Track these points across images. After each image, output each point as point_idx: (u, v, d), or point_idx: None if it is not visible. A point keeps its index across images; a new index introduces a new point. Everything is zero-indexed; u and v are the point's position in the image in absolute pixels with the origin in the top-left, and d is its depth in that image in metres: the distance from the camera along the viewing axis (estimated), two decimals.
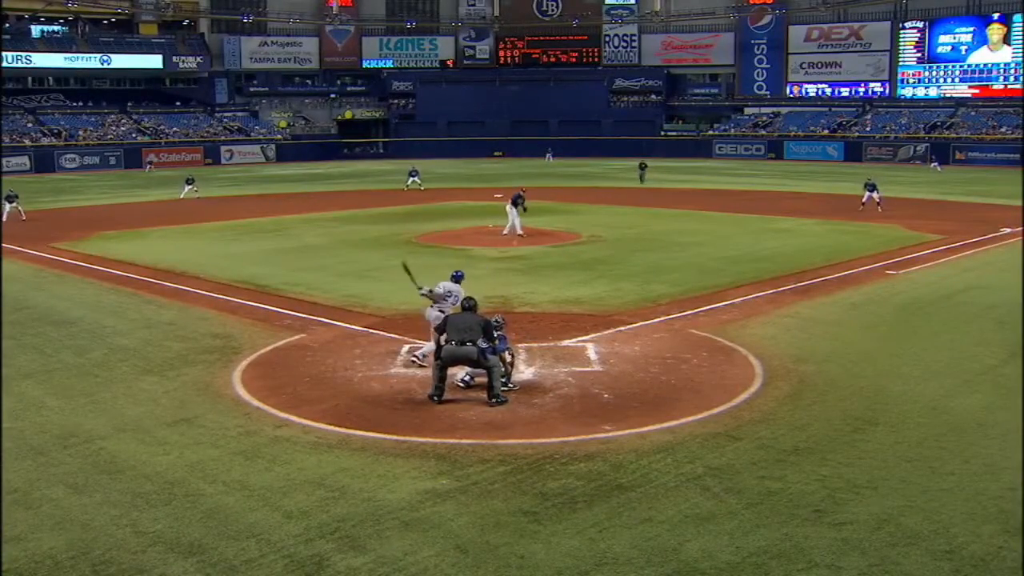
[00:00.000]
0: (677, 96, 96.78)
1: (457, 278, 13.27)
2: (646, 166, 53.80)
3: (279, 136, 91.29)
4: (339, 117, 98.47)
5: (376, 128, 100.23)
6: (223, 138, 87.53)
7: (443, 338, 11.45)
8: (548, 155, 79.94)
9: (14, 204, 34.29)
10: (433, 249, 24.49)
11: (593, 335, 14.72)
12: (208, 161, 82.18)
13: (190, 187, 45.84)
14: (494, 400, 11.22)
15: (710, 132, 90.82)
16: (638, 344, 14.23)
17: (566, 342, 14.29)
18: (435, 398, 11.35)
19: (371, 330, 15.23)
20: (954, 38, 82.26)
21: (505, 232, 27.49)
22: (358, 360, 13.34)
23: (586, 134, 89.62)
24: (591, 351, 13.72)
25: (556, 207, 37.82)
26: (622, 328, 15.30)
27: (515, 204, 28.06)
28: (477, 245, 25.82)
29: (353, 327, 15.58)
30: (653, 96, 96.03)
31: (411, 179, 48.25)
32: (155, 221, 34.17)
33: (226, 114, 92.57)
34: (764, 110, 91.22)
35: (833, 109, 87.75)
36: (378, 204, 40.00)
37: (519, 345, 13.88)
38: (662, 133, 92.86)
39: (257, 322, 16.22)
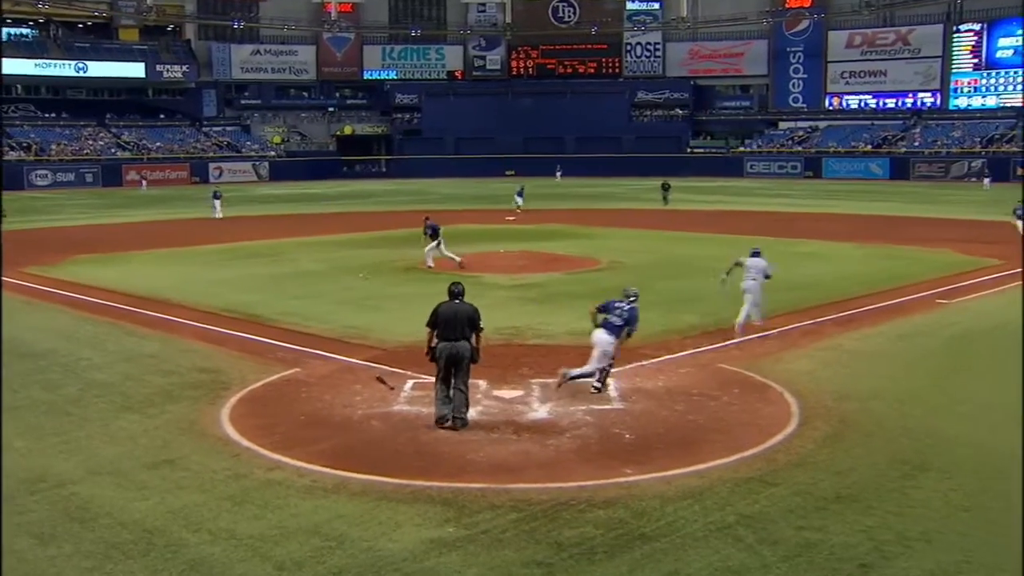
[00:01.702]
0: (705, 109, 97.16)
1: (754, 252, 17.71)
2: (669, 186, 54.11)
3: (272, 153, 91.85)
4: (338, 132, 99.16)
5: (378, 144, 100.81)
6: (212, 154, 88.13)
7: (435, 335, 11.76)
8: (557, 173, 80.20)
9: None
10: (439, 276, 24.46)
11: (613, 370, 14.67)
12: (195, 179, 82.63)
13: (219, 201, 46.44)
14: (460, 421, 11.68)
15: (741, 149, 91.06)
16: (662, 379, 14.21)
17: (573, 371, 14.28)
18: (448, 420, 11.67)
19: (372, 364, 15.23)
20: (1016, 41, 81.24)
21: (430, 264, 26.80)
22: (358, 396, 13.34)
23: (605, 151, 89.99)
24: (611, 387, 13.66)
25: (572, 230, 37.97)
26: (645, 362, 15.26)
27: (432, 236, 26.91)
28: (487, 271, 25.89)
29: (353, 360, 15.60)
30: (678, 110, 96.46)
31: (518, 199, 48.55)
32: (137, 244, 34.41)
33: (215, 128, 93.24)
34: (800, 124, 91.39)
35: (877, 122, 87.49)
36: (379, 226, 40.28)
37: (532, 381, 13.89)
38: (688, 150, 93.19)
39: (248, 355, 16.27)
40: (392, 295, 22.65)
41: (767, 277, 18.01)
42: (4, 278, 25.21)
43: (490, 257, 29.58)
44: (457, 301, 12.07)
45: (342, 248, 32.29)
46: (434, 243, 26.57)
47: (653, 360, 15.45)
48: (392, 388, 13.37)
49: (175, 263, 29.22)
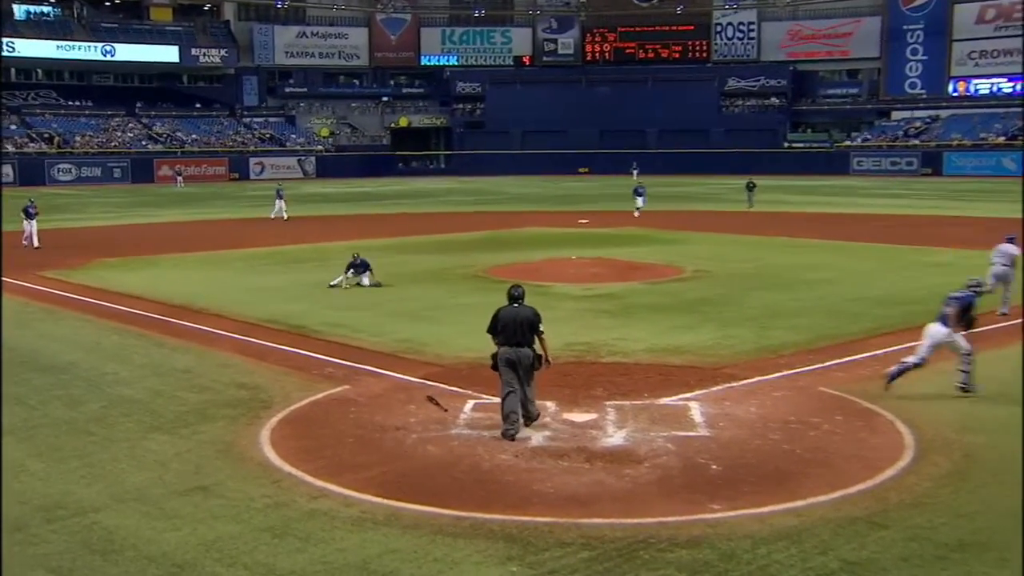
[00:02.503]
0: (806, 98, 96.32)
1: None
2: (755, 186, 53.67)
3: (320, 147, 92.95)
4: (392, 125, 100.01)
5: (436, 138, 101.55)
6: (252, 148, 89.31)
7: (496, 340, 12.45)
8: (633, 170, 79.82)
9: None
10: (504, 285, 24.28)
11: (698, 392, 14.69)
12: (234, 176, 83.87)
13: (283, 201, 47.06)
14: (520, 429, 12.30)
15: (847, 143, 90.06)
16: (754, 404, 14.11)
17: (665, 400, 14.28)
18: (512, 436, 12.18)
19: (428, 381, 15.34)
20: None
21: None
22: (412, 418, 13.42)
23: (691, 146, 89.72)
24: (696, 412, 13.65)
25: (652, 235, 37.96)
26: (734, 384, 15.21)
27: (352, 267, 26.06)
28: (557, 280, 25.96)
29: (407, 378, 15.72)
30: (775, 99, 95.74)
31: (639, 199, 48.50)
32: (168, 246, 35.07)
33: (256, 119, 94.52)
34: (918, 114, 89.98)
35: (1011, 110, 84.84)
36: (438, 229, 40.61)
37: (606, 403, 13.89)
38: (785, 144, 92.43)
39: (291, 370, 16.45)
40: (451, 305, 22.80)
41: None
42: (23, 283, 25.87)
43: (560, 264, 29.69)
44: (517, 305, 12.62)
45: (397, 253, 32.57)
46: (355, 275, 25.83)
47: (744, 382, 15.33)
48: (446, 410, 13.49)
49: (210, 268, 29.68)
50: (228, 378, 15.91)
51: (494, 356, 12.60)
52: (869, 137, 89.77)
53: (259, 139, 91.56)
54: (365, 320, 20.97)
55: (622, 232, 38.69)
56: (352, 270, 25.65)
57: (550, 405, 13.52)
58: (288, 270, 29.08)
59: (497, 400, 12.83)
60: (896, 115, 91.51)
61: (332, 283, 25.54)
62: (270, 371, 16.38)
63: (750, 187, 53.47)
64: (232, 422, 13.38)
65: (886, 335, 18.81)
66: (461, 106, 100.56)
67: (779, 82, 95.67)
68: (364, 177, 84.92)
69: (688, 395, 14.51)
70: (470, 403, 14.02)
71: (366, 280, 25.63)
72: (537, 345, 12.54)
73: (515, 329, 12.40)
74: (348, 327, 20.11)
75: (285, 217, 46.41)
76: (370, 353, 17.67)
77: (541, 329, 12.55)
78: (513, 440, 12.15)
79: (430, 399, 13.86)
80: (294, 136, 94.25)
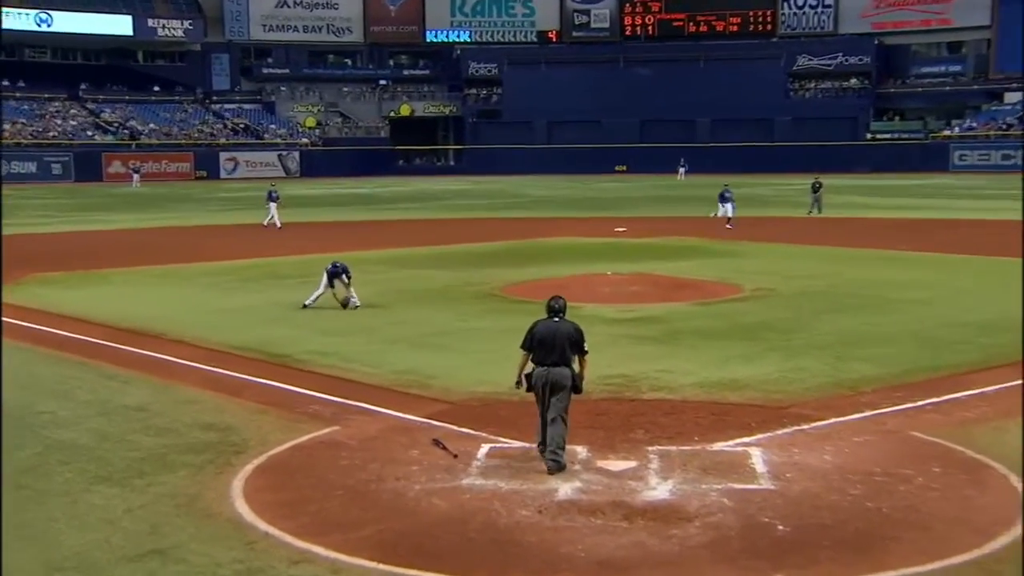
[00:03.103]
0: (894, 79, 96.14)
1: None
2: (821, 185, 53.62)
3: (305, 140, 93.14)
4: (392, 113, 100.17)
5: (445, 130, 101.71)
6: (223, 141, 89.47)
7: (529, 357, 12.93)
8: (681, 169, 79.94)
9: None
10: (524, 306, 24.33)
11: (760, 436, 14.58)
12: (200, 174, 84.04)
13: (276, 204, 46.91)
14: (553, 463, 12.66)
15: (945, 132, 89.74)
16: (829, 451, 13.99)
17: (719, 445, 14.17)
18: (557, 465, 12.68)
19: (434, 421, 15.33)
20: None
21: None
22: (415, 466, 13.35)
23: (751, 139, 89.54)
24: (757, 460, 13.56)
25: (704, 246, 38.06)
26: (805, 427, 15.08)
27: (333, 277, 25.98)
28: (589, 300, 25.74)
29: (409, 417, 15.70)
30: (855, 80, 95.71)
31: (726, 207, 48.13)
32: (121, 259, 35.27)
33: (228, 106, 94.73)
34: None
35: None
36: (447, 239, 40.72)
37: (648, 449, 13.87)
38: (868, 136, 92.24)
39: (269, 408, 16.44)
40: (462, 330, 22.81)
41: None
42: None
43: (593, 281, 29.63)
44: (557, 319, 13.02)
45: (398, 267, 32.69)
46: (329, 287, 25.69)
47: (816, 424, 15.22)
48: (455, 456, 13.54)
49: (171, 285, 29.72)
50: (192, 417, 15.84)
51: (528, 376, 12.97)
52: (974, 125, 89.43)
53: (231, 130, 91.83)
54: (359, 347, 20.96)
55: (667, 242, 38.79)
56: (331, 281, 25.37)
57: (581, 451, 13.44)
58: (265, 287, 29.15)
59: (518, 444, 13.08)
60: (1009, 97, 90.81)
61: (307, 302, 25.44)
62: (243, 409, 16.35)
63: (816, 188, 53.45)
64: (196, 471, 13.28)
65: (994, 369, 18.62)
66: (474, 91, 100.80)
67: (861, 59, 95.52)
68: (358, 176, 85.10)
69: (748, 439, 14.41)
70: (484, 448, 13.93)
71: (349, 290, 25.37)
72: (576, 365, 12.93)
73: (554, 346, 12.78)
74: (338, 356, 20.11)
75: (279, 225, 46.54)
76: (364, 387, 17.64)
77: (585, 348, 12.99)
78: (563, 470, 12.56)
79: (436, 443, 13.91)
80: (273, 127, 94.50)
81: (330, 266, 25.81)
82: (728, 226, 46.21)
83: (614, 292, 27.77)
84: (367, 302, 25.85)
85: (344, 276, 25.49)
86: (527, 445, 13.47)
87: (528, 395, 13.22)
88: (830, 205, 52.84)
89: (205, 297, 27.68)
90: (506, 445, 13.72)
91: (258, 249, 37.95)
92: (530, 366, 13.00)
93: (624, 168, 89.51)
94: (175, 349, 20.93)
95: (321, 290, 25.32)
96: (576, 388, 12.92)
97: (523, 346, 13.05)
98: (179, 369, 19.26)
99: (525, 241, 40.52)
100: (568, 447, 12.88)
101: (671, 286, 28.85)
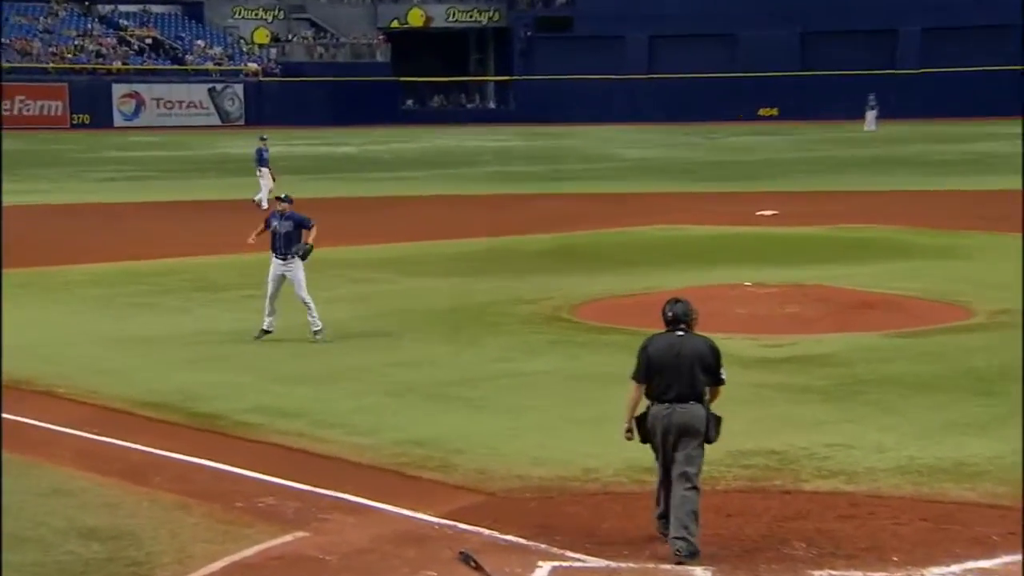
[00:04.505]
0: None
1: None
2: None
3: (253, 65, 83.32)
4: (395, 22, 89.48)
5: (480, 50, 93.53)
6: (118, 66, 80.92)
7: (644, 390, 11.06)
8: (870, 113, 70.55)
9: None
10: (609, 336, 20.93)
11: (1006, 559, 11.37)
12: (80, 118, 75.40)
13: (268, 168, 40.42)
14: (683, 544, 10.59)
15: None
16: None
17: (935, 571, 11.21)
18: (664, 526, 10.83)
19: (461, 524, 12.25)
20: None
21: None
22: None
23: (985, 62, 77.47)
24: None
25: (905, 238, 33.01)
26: None
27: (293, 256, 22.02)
28: (717, 329, 20.18)
29: (421, 517, 12.55)
30: None
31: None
32: None
33: (126, 7, 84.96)
34: None
35: None
36: (481, 229, 35.88)
37: (814, 574, 11.22)
38: None
39: (192, 501, 13.04)
40: (504, 375, 18.96)
41: None
42: None
43: (722, 296, 24.69)
44: (680, 332, 10.92)
45: (400, 272, 28.28)
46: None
47: None
48: None
49: (38, 300, 25.43)
50: (66, 519, 12.32)
51: (640, 419, 10.88)
52: None
53: (134, 51, 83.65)
54: (340, 402, 17.07)
55: (843, 233, 32.99)
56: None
57: (701, 574, 10.91)
58: (190, 304, 24.82)
59: (596, 562, 11.03)
60: None
61: (265, 325, 20.51)
62: (150, 504, 12.87)
63: None
64: None
65: None
66: None
67: None
68: (339, 126, 77.09)
69: (985, 564, 11.34)
70: (544, 568, 11.13)
71: (302, 292, 20.53)
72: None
73: (678, 372, 10.66)
74: (306, 417, 16.24)
75: (265, 204, 38.51)
76: (349, 468, 14.18)
77: (722, 376, 10.94)
78: (696, 557, 10.51)
79: (466, 558, 11.23)
80: (201, 43, 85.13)
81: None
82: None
83: (756, 315, 23.37)
84: (353, 328, 22.03)
85: (290, 224, 20.21)
86: (612, 564, 11.01)
87: (635, 458, 11.73)
88: None
89: (92, 320, 23.36)
90: (576, 564, 11.06)
91: (179, 243, 32.72)
92: (644, 402, 10.89)
93: (774, 112, 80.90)
94: (42, 407, 17.18)
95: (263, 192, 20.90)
96: (708, 437, 10.92)
97: (635, 376, 10.88)
98: (47, 439, 15.78)
99: (610, 231, 35.56)
100: (683, 568, 10.54)
101: (851, 305, 24.25)
